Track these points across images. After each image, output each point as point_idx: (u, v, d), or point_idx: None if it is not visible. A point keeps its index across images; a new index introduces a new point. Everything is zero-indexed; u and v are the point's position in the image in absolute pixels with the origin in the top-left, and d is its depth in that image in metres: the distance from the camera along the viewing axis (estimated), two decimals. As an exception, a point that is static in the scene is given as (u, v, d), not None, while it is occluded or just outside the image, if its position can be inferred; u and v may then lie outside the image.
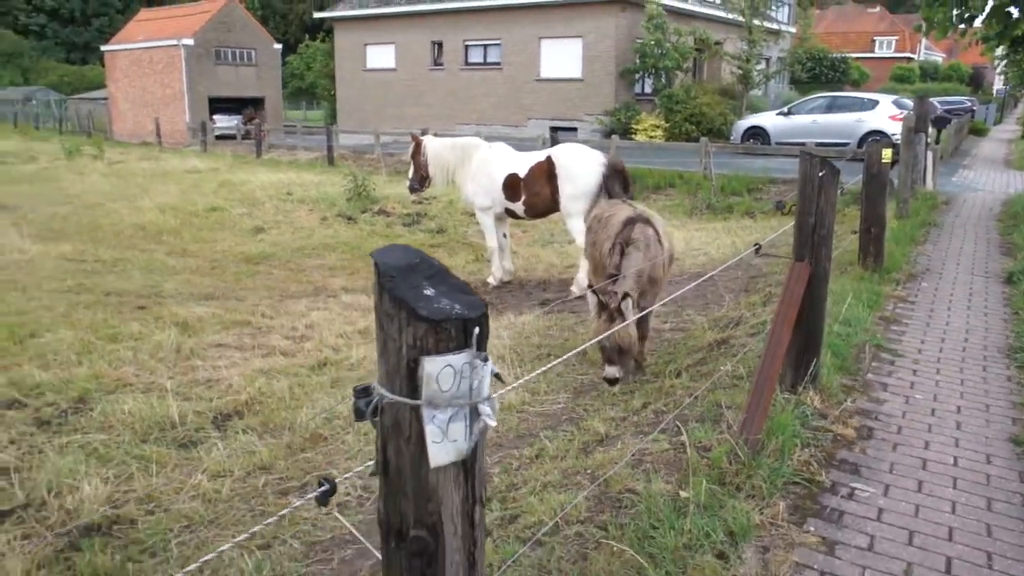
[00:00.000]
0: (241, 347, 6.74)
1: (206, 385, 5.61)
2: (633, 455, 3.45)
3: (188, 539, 3.43)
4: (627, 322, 4.34)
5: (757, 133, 19.72)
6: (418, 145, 9.13)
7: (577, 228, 8.10)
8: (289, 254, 11.31)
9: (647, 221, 5.01)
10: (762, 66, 26.97)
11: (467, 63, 26.98)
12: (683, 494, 3.03)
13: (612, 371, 4.54)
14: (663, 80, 24.29)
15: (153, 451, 4.37)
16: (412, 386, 1.09)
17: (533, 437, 4.23)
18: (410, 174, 9.27)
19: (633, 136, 22.34)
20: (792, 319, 3.74)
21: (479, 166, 8.69)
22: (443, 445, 1.11)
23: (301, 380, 5.59)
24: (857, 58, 45.92)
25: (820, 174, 3.75)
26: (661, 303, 5.77)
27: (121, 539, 3.44)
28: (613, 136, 18.34)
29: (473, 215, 14.24)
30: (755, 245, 4.23)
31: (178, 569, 3.12)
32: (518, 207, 8.59)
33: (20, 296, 8.68)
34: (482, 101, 26.44)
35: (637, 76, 24.39)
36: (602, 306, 4.57)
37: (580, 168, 8.18)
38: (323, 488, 1.32)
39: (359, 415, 1.23)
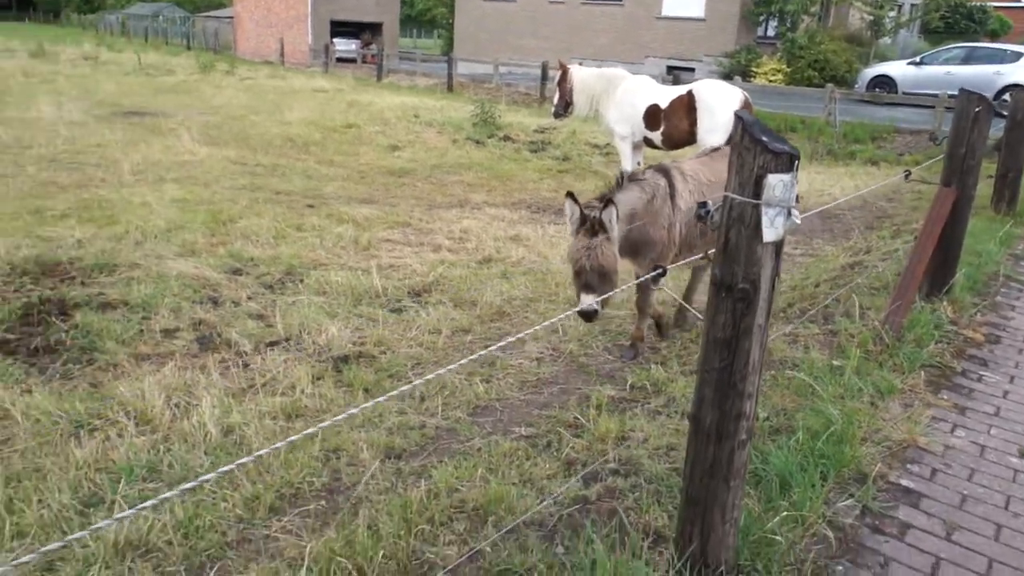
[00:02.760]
0: (409, 243, 7.65)
1: (391, 269, 6.53)
2: (786, 334, 4.13)
3: (420, 371, 4.33)
4: (611, 237, 3.80)
5: (884, 82, 19.37)
6: (565, 72, 9.74)
7: (712, 159, 8.63)
8: (428, 170, 12.18)
9: (666, 172, 4.33)
10: (894, 13, 26.04)
11: (588, -3, 27.08)
12: (836, 363, 3.70)
13: (589, 301, 3.76)
14: (787, 24, 23.86)
15: (368, 311, 5.30)
16: (755, 192, 1.80)
17: (690, 324, 4.96)
18: (555, 100, 9.93)
19: (752, 79, 22.19)
20: (936, 236, 4.30)
21: (623, 96, 9.27)
22: (770, 230, 1.82)
23: (473, 271, 6.44)
24: (998, 7, 43.23)
25: (976, 109, 4.24)
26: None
27: (368, 367, 4.36)
28: (735, 78, 18.39)
29: (595, 144, 14.87)
30: (905, 171, 4.75)
31: (417, 390, 4.01)
32: (656, 136, 9.15)
33: (205, 190, 9.86)
34: (600, 36, 26.58)
35: (760, 18, 24.02)
36: (582, 219, 3.84)
37: (719, 103, 8.65)
38: (657, 271, 2.08)
39: (700, 218, 1.97)
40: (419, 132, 15.96)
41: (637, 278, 4.13)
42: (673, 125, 8.96)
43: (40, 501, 2.83)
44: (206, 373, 4.11)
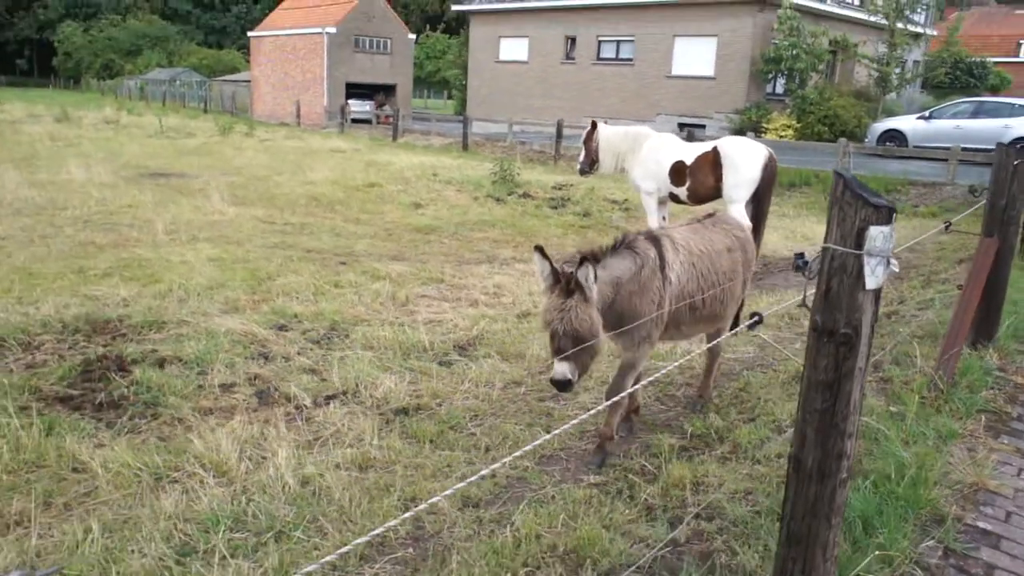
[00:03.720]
0: (445, 298, 7.79)
1: (433, 323, 6.66)
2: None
3: (479, 422, 4.41)
4: (588, 298, 3.40)
5: (894, 136, 19.73)
6: (592, 130, 10.02)
7: (738, 214, 8.81)
8: (453, 227, 12.41)
9: (657, 241, 3.90)
10: (899, 69, 26.63)
11: (599, 58, 27.79)
12: (893, 409, 3.78)
13: (563, 370, 3.36)
14: (795, 81, 24.42)
15: (418, 364, 5.41)
16: (857, 243, 1.94)
17: (735, 375, 5.05)
18: (580, 157, 10.18)
19: (763, 134, 22.62)
20: (981, 284, 4.41)
21: (648, 153, 9.51)
22: (872, 279, 1.94)
23: (514, 325, 6.56)
24: (998, 62, 44.06)
25: (1015, 163, 4.39)
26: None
27: (429, 419, 4.45)
28: (748, 133, 18.78)
29: (614, 200, 15.14)
30: (945, 223, 4.89)
31: (479, 446, 4.09)
32: (682, 192, 9.36)
33: (239, 248, 10.07)
34: (612, 96, 27.22)
35: (769, 76, 24.61)
36: (555, 276, 3.49)
37: (744, 159, 8.87)
38: (754, 319, 2.20)
39: (798, 268, 2.10)
40: (440, 190, 16.27)
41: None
42: (699, 181, 9.17)
43: (137, 551, 2.91)
44: (273, 426, 4.21)
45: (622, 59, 27.17)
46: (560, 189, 16.62)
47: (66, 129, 29.14)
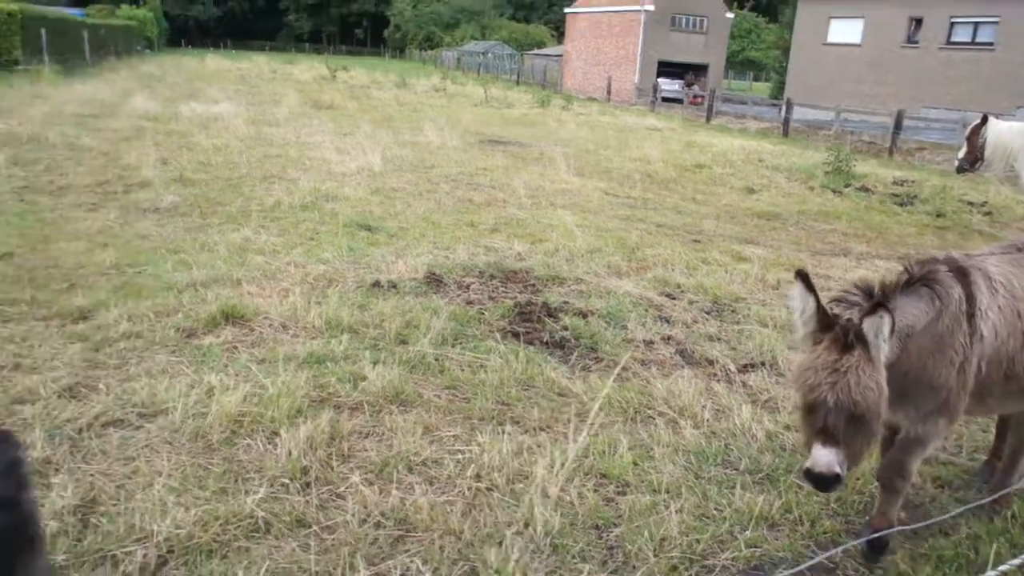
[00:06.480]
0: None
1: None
2: None
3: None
4: (874, 357, 2.51)
5: None
6: (981, 125, 9.34)
7: None
8: (795, 216, 12.22)
9: (965, 275, 2.88)
10: None
11: (948, 41, 25.31)
12: None
13: (828, 460, 2.47)
14: None
15: (822, 348, 5.58)
16: None
17: None
18: (960, 153, 9.55)
19: None
20: None
21: (1049, 154, 8.69)
22: None
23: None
24: None
25: None
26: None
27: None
28: None
29: (970, 202, 13.86)
30: None
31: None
32: (1090, 200, 8.44)
33: (595, 217, 10.81)
34: (960, 84, 24.70)
35: None
36: (824, 320, 2.62)
37: None
38: None
39: None
40: (769, 176, 16.00)
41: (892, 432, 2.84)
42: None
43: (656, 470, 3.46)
44: (714, 383, 4.64)
45: (979, 43, 24.45)
46: (901, 185, 15.59)
47: (405, 95, 32.64)
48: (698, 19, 38.95)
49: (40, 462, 3.19)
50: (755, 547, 2.95)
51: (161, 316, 5.24)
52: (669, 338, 5.67)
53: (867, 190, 14.92)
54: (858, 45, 28.15)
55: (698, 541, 2.94)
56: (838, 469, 2.44)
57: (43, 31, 29.68)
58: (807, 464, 2.49)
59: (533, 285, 6.99)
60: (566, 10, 47.76)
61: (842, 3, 28.70)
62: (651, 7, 37.43)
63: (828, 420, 2.46)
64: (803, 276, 2.62)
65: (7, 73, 26.34)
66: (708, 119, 27.68)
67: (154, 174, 10.73)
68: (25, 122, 14.54)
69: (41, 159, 11.32)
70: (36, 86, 22.58)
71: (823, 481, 2.47)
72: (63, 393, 3.93)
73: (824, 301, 2.62)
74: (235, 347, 4.80)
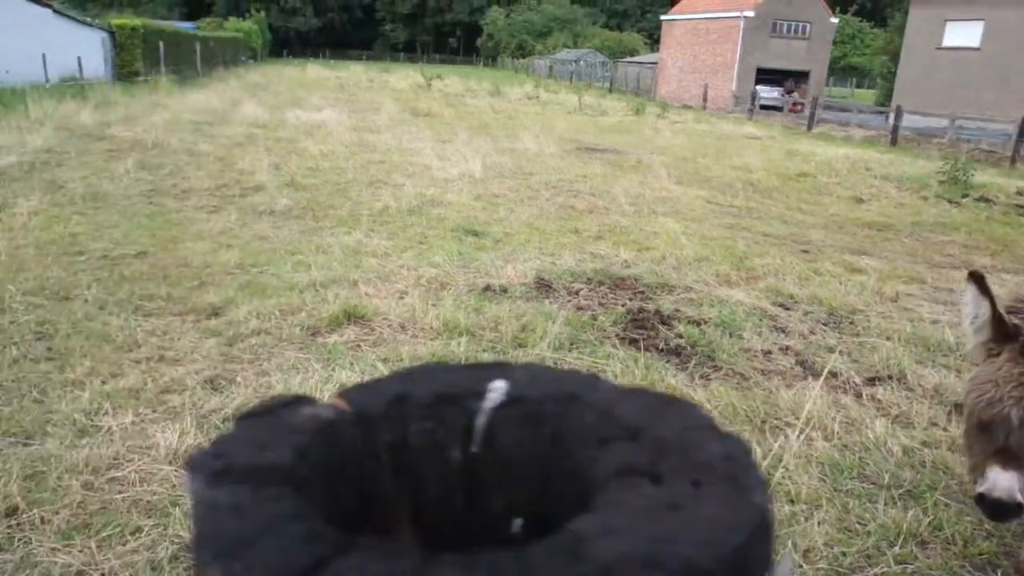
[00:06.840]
0: (935, 300, 7.48)
1: (940, 325, 6.46)
2: None
3: None
4: None
5: None
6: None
7: None
8: (908, 227, 11.73)
9: None
10: None
11: (1076, 45, 23.82)
12: None
13: (1009, 484, 2.16)
14: None
15: (946, 361, 5.33)
16: None
17: None
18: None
19: None
20: None
21: None
22: None
23: None
24: None
25: None
26: None
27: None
28: None
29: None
30: None
31: None
32: None
33: (699, 225, 10.64)
34: (1088, 90, 23.21)
35: None
36: (1001, 332, 2.37)
37: None
38: None
39: None
40: (879, 186, 15.41)
41: None
42: None
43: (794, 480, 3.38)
44: (844, 395, 4.50)
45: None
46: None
47: (499, 103, 32.97)
48: (801, 25, 37.90)
49: (194, 449, 3.36)
50: (905, 563, 2.84)
51: (286, 314, 5.45)
52: (787, 348, 5.53)
53: (987, 200, 14.18)
54: (977, 49, 26.76)
55: (844, 554, 2.86)
56: (1019, 497, 2.13)
57: (161, 44, 31.41)
58: (981, 488, 2.20)
59: (643, 292, 6.93)
60: (662, 17, 47.35)
61: (959, 5, 27.37)
62: (751, 13, 36.67)
63: (1010, 440, 2.19)
64: (977, 278, 2.39)
65: (129, 84, 28.01)
66: (809, 127, 26.86)
67: (267, 178, 11.19)
68: (149, 129, 15.41)
69: (165, 164, 11.97)
70: (155, 95, 23.91)
71: (1002, 508, 2.17)
72: (205, 385, 4.14)
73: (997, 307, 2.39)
74: (358, 346, 4.94)
